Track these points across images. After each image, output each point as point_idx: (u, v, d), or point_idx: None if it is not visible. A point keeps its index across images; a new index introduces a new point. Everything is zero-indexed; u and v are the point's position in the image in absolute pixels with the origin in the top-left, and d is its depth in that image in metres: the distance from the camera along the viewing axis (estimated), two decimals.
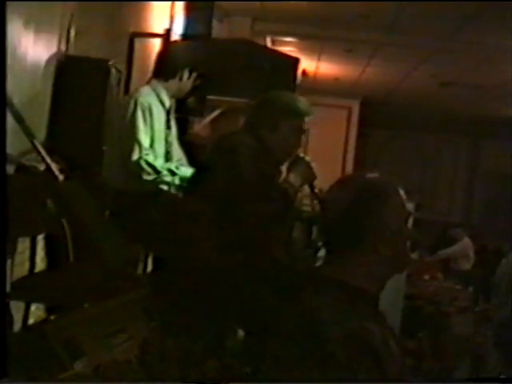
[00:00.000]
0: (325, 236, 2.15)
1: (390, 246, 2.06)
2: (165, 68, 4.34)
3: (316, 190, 3.65)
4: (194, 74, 4.35)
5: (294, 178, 3.60)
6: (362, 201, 2.06)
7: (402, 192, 2.13)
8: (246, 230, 3.43)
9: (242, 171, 3.45)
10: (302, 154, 3.70)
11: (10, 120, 3.09)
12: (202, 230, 3.48)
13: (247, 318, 3.33)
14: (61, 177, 3.01)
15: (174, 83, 4.31)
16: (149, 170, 4.06)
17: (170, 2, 6.96)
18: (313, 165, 3.67)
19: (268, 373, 1.98)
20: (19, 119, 3.06)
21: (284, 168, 3.75)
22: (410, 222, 2.22)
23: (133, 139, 4.06)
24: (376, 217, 2.05)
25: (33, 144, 3.06)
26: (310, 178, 3.63)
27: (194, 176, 3.84)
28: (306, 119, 3.65)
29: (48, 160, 2.99)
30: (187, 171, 4.17)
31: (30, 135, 3.11)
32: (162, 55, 4.57)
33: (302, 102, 3.69)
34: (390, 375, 1.94)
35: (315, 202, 3.84)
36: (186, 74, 4.32)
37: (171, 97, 4.34)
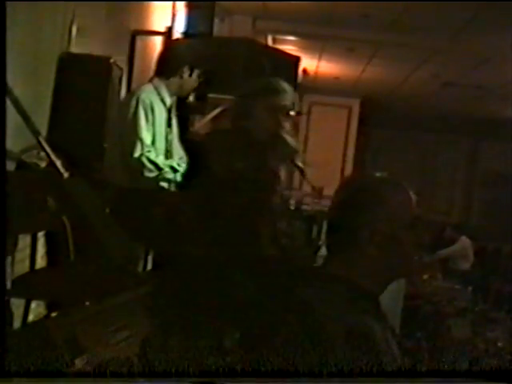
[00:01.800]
0: (326, 234, 2.15)
1: (381, 248, 2.05)
2: (166, 66, 4.34)
3: (299, 164, 3.72)
4: (196, 72, 4.35)
5: (273, 160, 3.65)
6: (357, 201, 2.06)
7: (410, 194, 2.10)
8: (228, 224, 3.49)
9: (216, 168, 3.52)
10: (280, 132, 3.70)
11: (12, 117, 3.10)
12: (194, 226, 3.54)
13: (243, 318, 3.34)
14: (66, 174, 3.01)
15: (175, 81, 4.31)
16: (150, 166, 4.05)
17: (171, 1, 6.96)
18: (290, 140, 3.68)
19: (268, 369, 1.99)
20: (25, 116, 3.06)
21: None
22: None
23: (135, 136, 4.06)
24: (368, 218, 2.03)
25: (38, 141, 3.06)
26: (289, 155, 3.68)
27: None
28: (281, 96, 3.67)
29: (53, 157, 2.99)
30: None
31: (36, 132, 3.10)
32: (163, 53, 4.58)
33: (276, 80, 3.75)
34: (389, 374, 1.95)
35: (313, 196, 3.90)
36: (187, 72, 4.32)
37: (173, 95, 4.34)
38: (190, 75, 4.34)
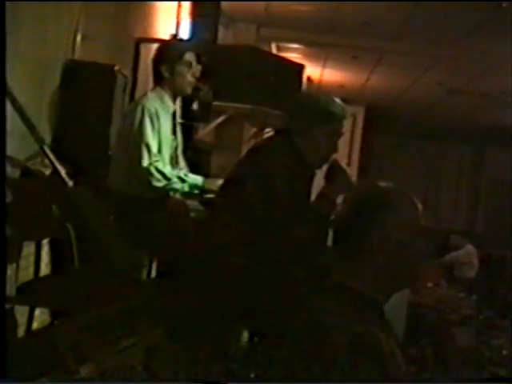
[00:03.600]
0: (333, 242, 2.15)
1: (389, 256, 2.04)
2: (159, 65, 4.28)
3: None
4: (188, 62, 4.24)
5: (331, 189, 3.53)
6: (367, 208, 2.06)
7: (417, 205, 2.10)
8: (276, 250, 3.39)
9: (278, 196, 3.38)
10: (337, 160, 3.60)
11: (17, 125, 3.10)
12: (230, 240, 3.42)
13: (255, 320, 3.32)
14: (70, 182, 3.01)
15: (172, 80, 4.24)
16: (158, 176, 4.03)
17: (176, 9, 6.97)
18: (348, 172, 3.61)
19: (273, 376, 1.99)
20: (29, 124, 3.06)
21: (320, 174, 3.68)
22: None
23: (142, 145, 4.04)
24: (378, 225, 2.04)
25: (42, 150, 3.06)
26: (347, 187, 3.49)
27: (223, 185, 3.76)
28: (341, 123, 3.59)
29: (57, 165, 2.99)
30: (196, 179, 4.15)
31: (40, 140, 3.11)
32: (154, 56, 4.47)
33: (338, 105, 3.61)
34: (394, 382, 1.95)
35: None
36: (183, 68, 4.25)
37: (175, 97, 4.28)
38: (188, 70, 4.25)
